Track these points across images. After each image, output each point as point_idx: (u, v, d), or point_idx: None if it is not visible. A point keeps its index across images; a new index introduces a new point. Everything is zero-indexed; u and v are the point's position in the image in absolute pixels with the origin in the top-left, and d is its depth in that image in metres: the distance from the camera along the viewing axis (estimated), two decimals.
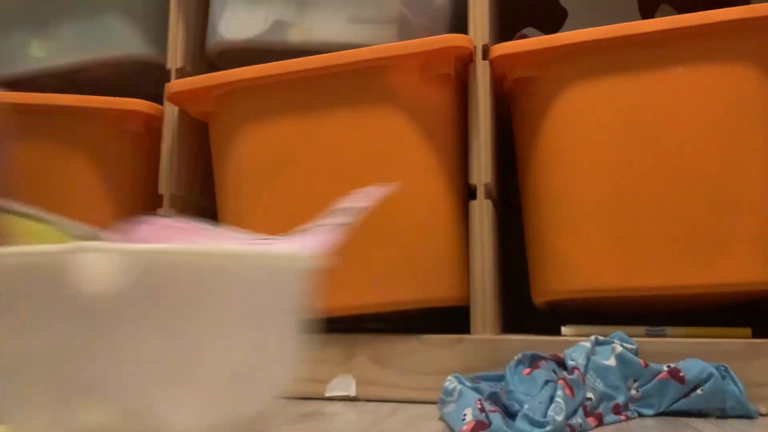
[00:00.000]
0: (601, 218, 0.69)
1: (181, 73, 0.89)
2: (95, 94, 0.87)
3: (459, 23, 0.84)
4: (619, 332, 0.64)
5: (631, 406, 0.58)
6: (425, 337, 0.71)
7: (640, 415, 0.58)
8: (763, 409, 0.59)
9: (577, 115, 0.71)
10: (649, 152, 0.68)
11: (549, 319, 0.88)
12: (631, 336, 0.64)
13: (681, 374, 0.57)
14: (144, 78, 0.95)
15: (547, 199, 0.73)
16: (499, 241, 0.81)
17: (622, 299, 0.71)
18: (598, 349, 0.60)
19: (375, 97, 0.75)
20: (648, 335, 0.67)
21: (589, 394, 0.55)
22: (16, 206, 0.45)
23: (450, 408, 0.55)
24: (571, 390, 0.52)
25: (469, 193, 0.76)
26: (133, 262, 0.32)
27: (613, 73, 0.70)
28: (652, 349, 0.63)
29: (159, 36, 0.92)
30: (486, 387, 0.57)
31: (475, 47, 0.76)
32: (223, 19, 0.84)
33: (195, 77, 0.81)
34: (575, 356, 0.58)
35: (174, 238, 0.46)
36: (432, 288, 0.73)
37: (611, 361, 0.59)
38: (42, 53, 0.94)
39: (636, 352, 0.61)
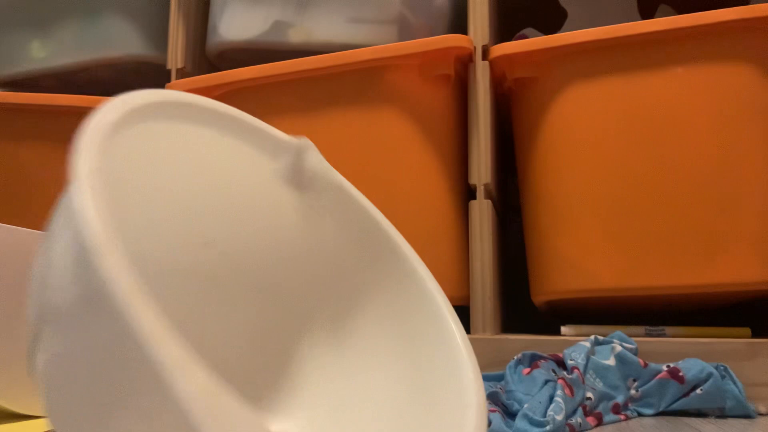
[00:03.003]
0: (601, 218, 0.69)
1: (182, 74, 0.89)
2: (95, 94, 0.87)
3: (459, 23, 0.84)
4: (618, 332, 0.64)
5: (631, 406, 0.58)
6: None
7: (640, 414, 0.58)
8: (762, 409, 0.59)
9: (576, 115, 0.71)
10: (649, 152, 0.68)
11: (549, 319, 0.88)
12: (630, 336, 0.64)
13: (680, 374, 0.58)
14: (144, 78, 0.95)
15: (546, 199, 0.73)
16: (499, 241, 0.81)
17: (622, 299, 0.71)
18: (598, 348, 0.60)
19: (375, 98, 0.75)
20: (648, 335, 0.68)
21: (589, 394, 0.55)
22: None
23: None
24: (571, 389, 0.53)
25: (469, 193, 0.76)
26: None
27: (612, 73, 0.70)
28: (651, 348, 0.63)
29: (159, 36, 0.92)
30: (485, 386, 0.57)
31: (475, 47, 0.76)
32: (224, 19, 0.84)
33: (195, 77, 0.81)
34: (575, 356, 0.58)
35: None
36: None
37: (611, 361, 0.59)
38: (42, 53, 0.94)
39: (636, 352, 0.62)
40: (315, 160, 0.39)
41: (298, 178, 0.39)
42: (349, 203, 0.41)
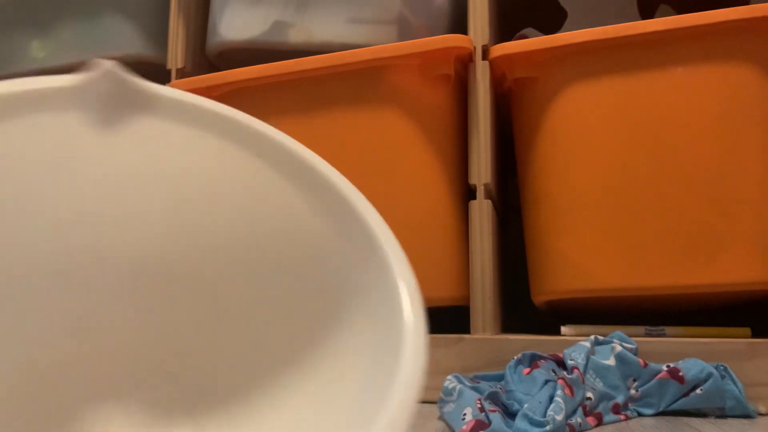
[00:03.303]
0: (601, 218, 0.69)
1: (182, 74, 0.89)
2: None
3: (459, 23, 0.84)
4: (618, 332, 0.64)
5: (631, 406, 0.59)
6: None
7: (640, 414, 0.58)
8: (762, 409, 0.59)
9: (576, 115, 0.71)
10: (649, 152, 0.68)
11: (549, 319, 0.88)
12: (630, 336, 0.64)
13: (680, 374, 0.58)
14: (144, 78, 0.95)
15: (546, 199, 0.73)
16: (499, 241, 0.81)
17: (622, 299, 0.71)
18: (598, 348, 0.60)
19: (375, 98, 0.75)
20: (648, 335, 0.68)
21: (589, 394, 0.55)
22: None
23: (450, 407, 0.55)
24: (571, 389, 0.53)
25: (469, 193, 0.76)
26: None
27: (613, 73, 0.70)
28: (651, 348, 0.63)
29: (159, 36, 0.92)
30: (486, 386, 0.57)
31: (475, 47, 0.76)
32: (224, 19, 0.84)
33: (195, 77, 0.81)
34: (575, 356, 0.58)
35: None
36: (432, 288, 0.73)
37: (611, 361, 0.59)
38: (42, 53, 0.94)
39: (636, 352, 0.62)
40: (119, 79, 0.31)
41: (114, 110, 0.32)
42: (192, 110, 0.33)
